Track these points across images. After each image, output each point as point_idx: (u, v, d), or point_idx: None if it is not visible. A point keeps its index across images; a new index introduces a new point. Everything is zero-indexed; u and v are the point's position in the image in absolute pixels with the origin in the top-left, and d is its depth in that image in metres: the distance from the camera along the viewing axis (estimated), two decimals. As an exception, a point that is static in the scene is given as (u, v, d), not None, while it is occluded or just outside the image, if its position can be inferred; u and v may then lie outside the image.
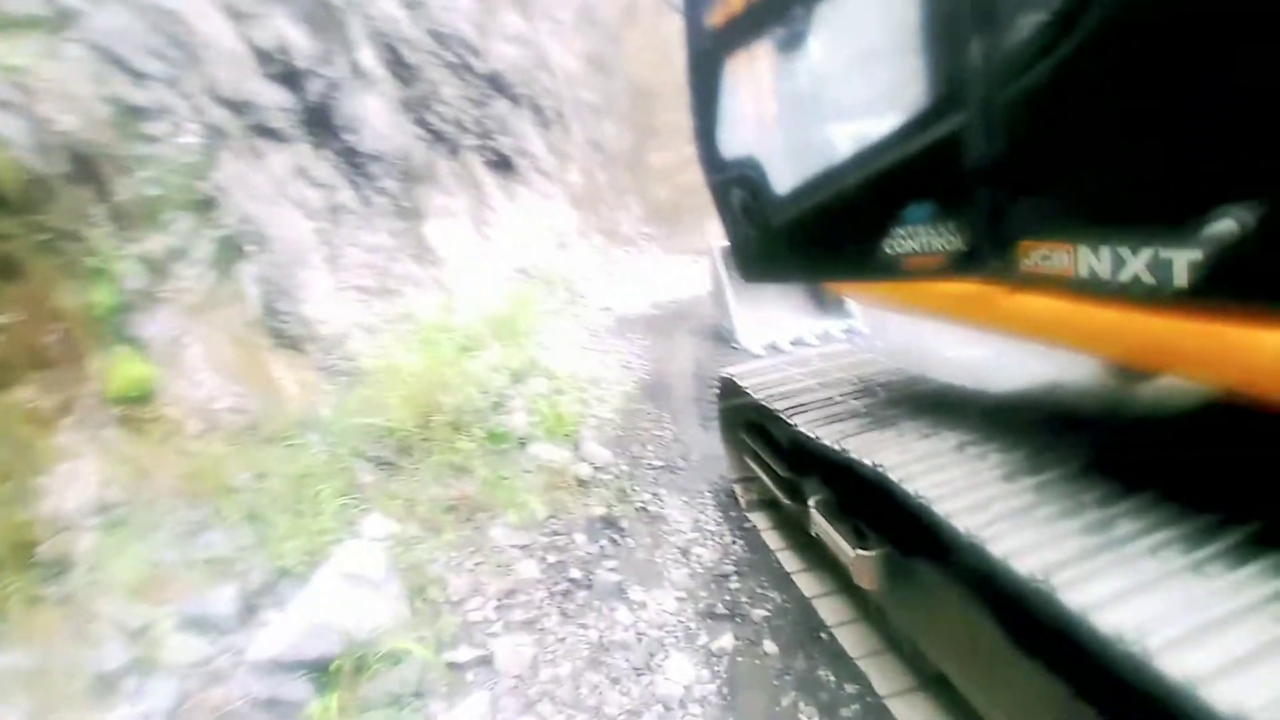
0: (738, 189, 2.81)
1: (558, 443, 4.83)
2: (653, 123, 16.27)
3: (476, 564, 3.47)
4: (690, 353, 7.28)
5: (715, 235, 11.16)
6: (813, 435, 2.62)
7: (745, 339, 7.29)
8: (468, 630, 3.02)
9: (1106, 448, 1.99)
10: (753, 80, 2.68)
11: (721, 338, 7.58)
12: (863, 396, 2.93)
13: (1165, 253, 1.37)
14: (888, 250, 2.08)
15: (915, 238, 1.98)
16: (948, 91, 1.78)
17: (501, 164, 10.30)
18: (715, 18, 2.78)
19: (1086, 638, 1.38)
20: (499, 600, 3.21)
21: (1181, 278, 1.34)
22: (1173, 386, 2.48)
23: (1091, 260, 1.54)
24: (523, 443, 4.78)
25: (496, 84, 10.50)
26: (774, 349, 7.11)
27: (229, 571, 3.27)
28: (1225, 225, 1.24)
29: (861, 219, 2.16)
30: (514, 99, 10.92)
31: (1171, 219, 1.36)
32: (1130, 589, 1.42)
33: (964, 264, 1.89)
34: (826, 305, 7.88)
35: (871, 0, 2.08)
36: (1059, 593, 1.44)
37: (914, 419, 2.51)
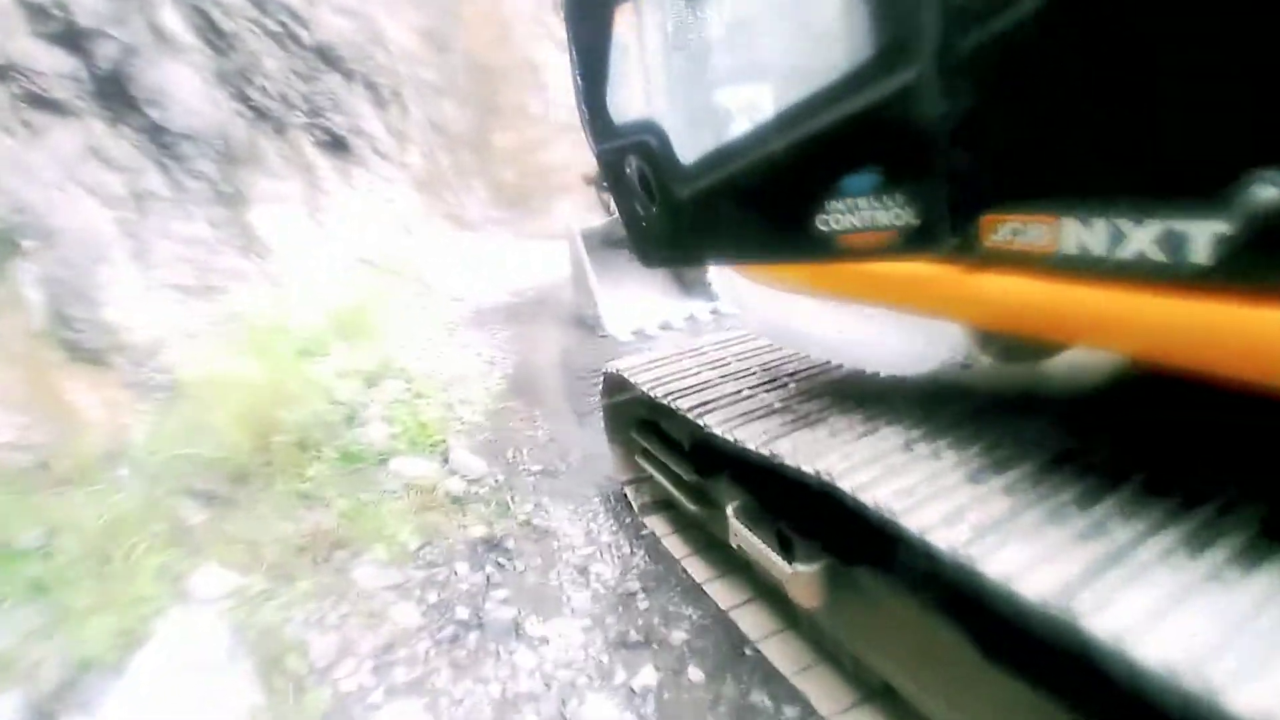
0: (634, 158, 2.44)
1: (424, 455, 4.32)
2: (495, 102, 15.53)
3: (343, 616, 2.93)
4: (555, 342, 6.91)
5: (572, 217, 10.79)
6: (730, 438, 2.35)
7: (611, 325, 7.01)
8: (342, 706, 2.52)
9: (1064, 438, 1.85)
10: (652, 27, 2.32)
11: (586, 325, 7.25)
12: (774, 389, 2.70)
13: (1181, 225, 1.17)
14: (821, 227, 1.81)
15: (855, 212, 1.71)
16: (897, 35, 1.52)
17: (335, 145, 9.37)
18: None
19: (1125, 673, 1.18)
20: (375, 659, 2.70)
21: (1203, 254, 1.15)
22: (1077, 359, 2.43)
23: (1080, 234, 1.34)
24: (383, 459, 4.23)
25: (326, 58, 9.53)
26: (641, 334, 6.88)
27: (9, 671, 2.55)
28: (1267, 193, 1.05)
29: (789, 190, 1.87)
30: (347, 75, 9.97)
31: (1191, 186, 1.17)
32: (1158, 609, 1.23)
33: (914, 242, 1.64)
34: (690, 287, 7.75)
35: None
36: (1082, 620, 1.24)
37: (842, 414, 2.29)
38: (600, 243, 7.70)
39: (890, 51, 1.55)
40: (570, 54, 2.61)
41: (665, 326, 7.07)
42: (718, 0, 2.20)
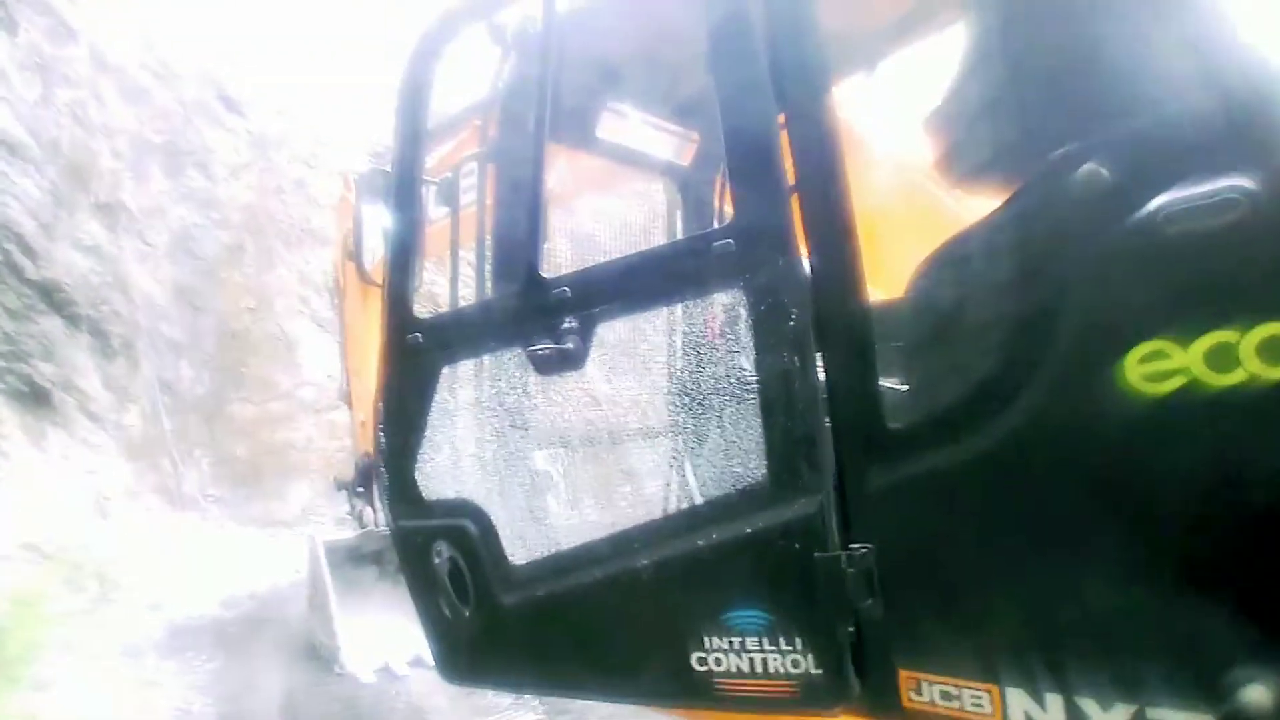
0: (445, 546, 2.13)
1: None
2: (241, 371, 14.41)
3: None
4: (278, 683, 5.67)
5: (309, 509, 9.67)
6: None
7: (351, 661, 5.93)
8: None
9: None
10: (488, 396, 2.17)
11: (320, 657, 6.11)
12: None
13: (1156, 712, 1.09)
14: (697, 666, 1.60)
15: (741, 653, 1.54)
16: (793, 461, 1.46)
17: (35, 397, 7.86)
18: (428, 310, 2.27)
19: None
20: None
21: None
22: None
23: (1027, 708, 1.21)
24: None
25: (51, 297, 8.35)
26: (388, 673, 5.91)
27: None
28: (1255, 693, 1.01)
29: (655, 617, 1.67)
30: (72, 319, 8.76)
31: (1175, 679, 1.08)
32: None
33: (816, 695, 1.48)
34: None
35: (694, 314, 1.76)
36: None
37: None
38: (345, 559, 6.78)
39: (789, 475, 1.48)
40: (380, 402, 2.34)
41: (417, 663, 6.15)
42: (573, 388, 2.12)
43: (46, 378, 8.16)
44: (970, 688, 1.25)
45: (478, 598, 2.01)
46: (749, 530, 1.48)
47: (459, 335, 2.15)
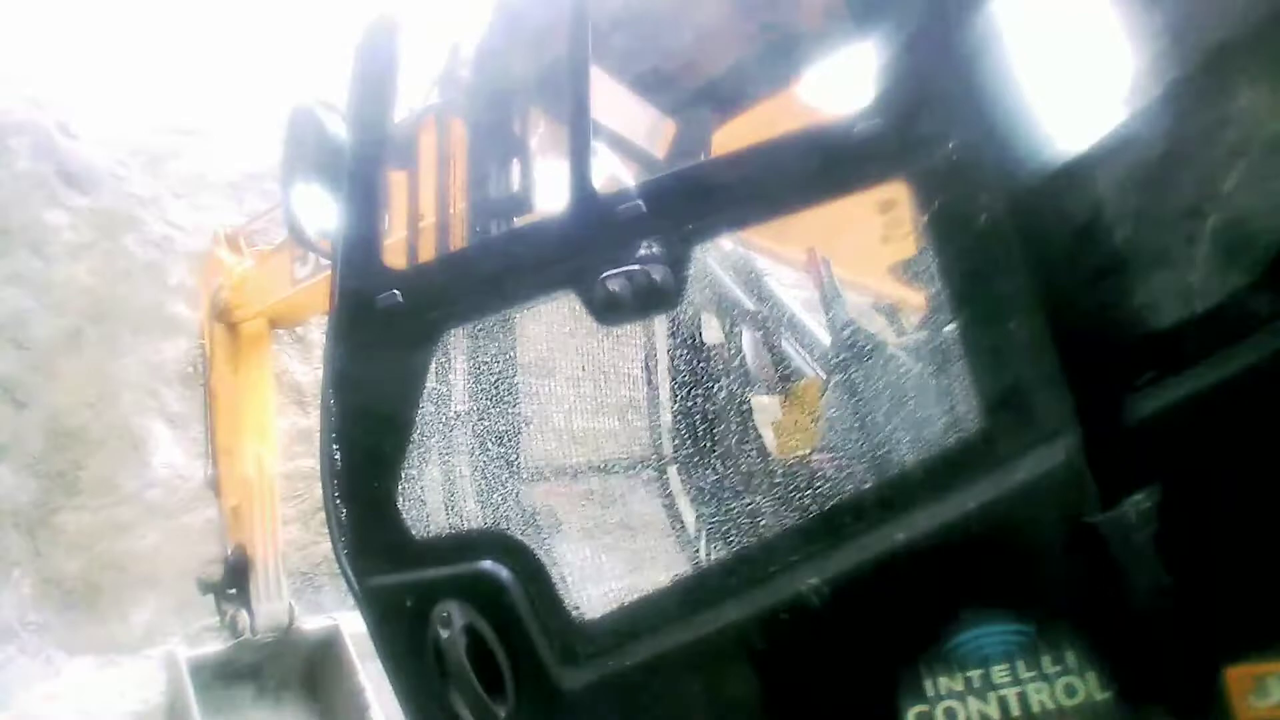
0: (458, 608, 1.51)
1: None
2: (75, 475, 12.55)
3: None
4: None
5: (155, 629, 8.30)
6: None
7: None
8: None
9: None
10: (525, 369, 1.64)
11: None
12: None
13: None
14: None
15: (986, 694, 1.09)
16: (1015, 399, 1.06)
17: None
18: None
19: None
20: None
21: None
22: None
23: None
24: None
25: None
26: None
27: None
28: None
29: (843, 666, 1.20)
30: None
31: None
32: None
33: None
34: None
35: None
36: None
37: None
38: (214, 676, 5.71)
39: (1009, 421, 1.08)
40: (329, 406, 1.73)
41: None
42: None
43: None
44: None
45: (524, 683, 1.37)
46: (966, 511, 1.08)
47: (465, 286, 1.61)
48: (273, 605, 5.82)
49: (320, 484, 1.63)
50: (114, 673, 7.57)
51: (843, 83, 2.36)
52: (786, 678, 1.22)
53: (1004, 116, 1.14)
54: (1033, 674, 1.08)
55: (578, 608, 1.35)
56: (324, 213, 1.84)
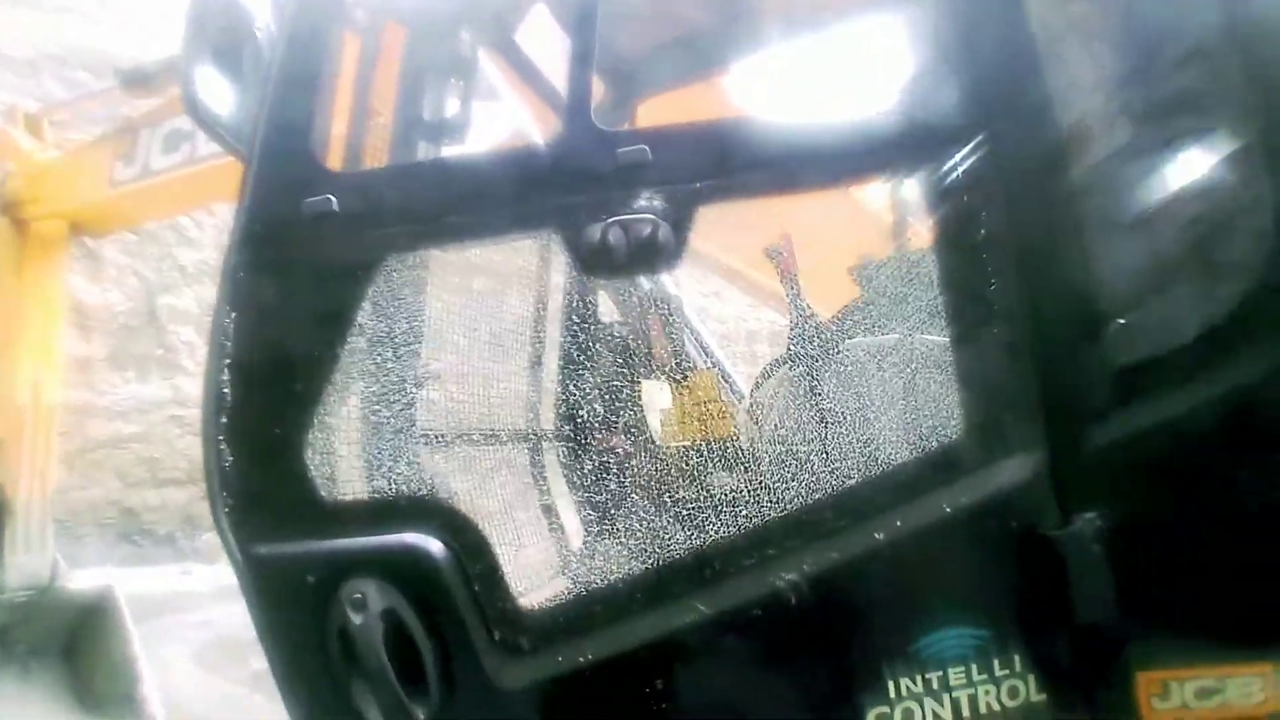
0: (374, 588, 1.27)
1: None
2: None
3: None
4: None
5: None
6: None
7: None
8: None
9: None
10: (481, 306, 1.43)
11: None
12: None
13: None
14: None
15: (943, 694, 1.12)
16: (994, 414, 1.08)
17: None
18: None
19: None
20: None
21: None
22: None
23: None
24: None
25: None
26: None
27: None
28: None
29: (813, 665, 1.18)
30: None
31: None
32: None
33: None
34: (108, 705, 5.28)
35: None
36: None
37: None
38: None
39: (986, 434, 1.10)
40: (218, 331, 1.38)
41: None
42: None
43: None
44: (1239, 675, 0.98)
45: (453, 680, 1.18)
46: (939, 517, 1.10)
47: (422, 204, 1.36)
48: (31, 558, 4.99)
49: (201, 424, 1.33)
50: None
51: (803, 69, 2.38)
52: (763, 676, 1.19)
53: (1019, 127, 1.18)
54: (984, 675, 1.14)
55: (525, 592, 1.22)
56: (227, 97, 1.53)
